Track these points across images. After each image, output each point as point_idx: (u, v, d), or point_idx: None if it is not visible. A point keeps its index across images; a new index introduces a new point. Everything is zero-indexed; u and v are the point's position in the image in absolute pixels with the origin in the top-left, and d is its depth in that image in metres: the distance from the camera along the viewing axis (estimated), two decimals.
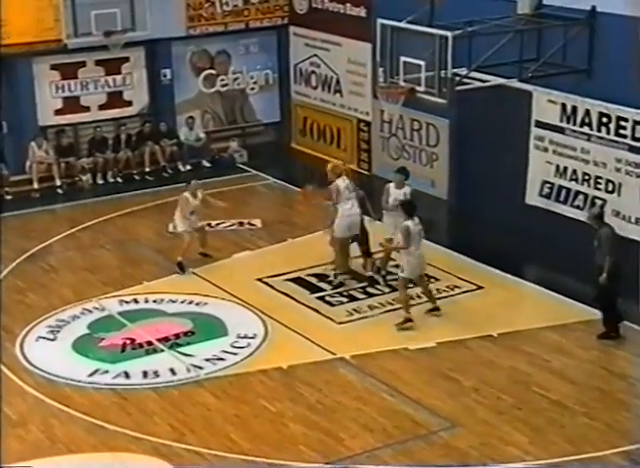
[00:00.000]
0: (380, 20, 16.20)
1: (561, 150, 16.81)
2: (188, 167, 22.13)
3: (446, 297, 15.57)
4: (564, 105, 16.56)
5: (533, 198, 17.36)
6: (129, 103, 22.24)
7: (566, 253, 15.82)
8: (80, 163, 21.45)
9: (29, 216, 19.57)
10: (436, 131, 19.84)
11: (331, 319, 15.05)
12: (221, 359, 13.92)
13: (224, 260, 17.24)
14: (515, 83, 16.36)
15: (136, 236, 18.47)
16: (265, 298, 15.74)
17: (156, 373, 13.58)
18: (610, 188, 16.09)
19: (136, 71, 22.16)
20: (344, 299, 15.64)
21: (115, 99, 22.02)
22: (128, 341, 14.45)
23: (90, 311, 15.41)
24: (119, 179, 21.57)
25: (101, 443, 12.03)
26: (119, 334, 14.67)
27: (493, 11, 16.52)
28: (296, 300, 15.68)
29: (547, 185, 17.14)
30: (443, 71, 15.05)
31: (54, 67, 21.31)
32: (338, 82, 22.20)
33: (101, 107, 21.94)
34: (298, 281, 16.29)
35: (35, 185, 20.89)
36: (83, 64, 21.52)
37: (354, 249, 16.35)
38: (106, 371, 13.66)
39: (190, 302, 15.67)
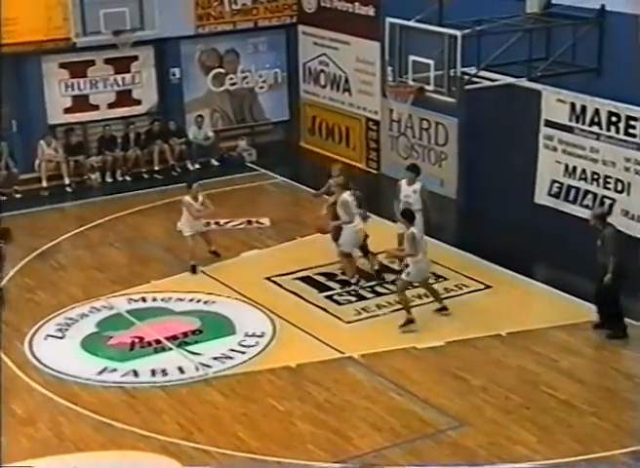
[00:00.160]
0: (388, 19, 16.19)
1: (570, 149, 16.78)
2: (197, 165, 22.15)
3: (454, 297, 15.56)
4: (573, 104, 16.52)
5: (542, 197, 17.33)
6: (138, 102, 22.27)
7: (575, 252, 15.79)
8: (89, 161, 21.49)
9: (38, 215, 19.60)
10: (445, 130, 19.82)
11: (339, 318, 15.05)
12: (230, 357, 13.93)
13: (233, 259, 17.25)
14: (524, 82, 16.34)
15: (144, 234, 18.49)
16: (274, 297, 15.74)
17: (164, 372, 13.59)
18: (619, 188, 16.05)
19: (145, 70, 22.19)
20: (353, 298, 15.63)
21: (124, 98, 22.06)
22: (136, 340, 14.47)
23: (98, 309, 15.44)
24: (128, 178, 21.61)
25: (110, 441, 12.04)
26: (128, 333, 14.69)
27: (502, 10, 16.49)
28: (304, 299, 15.68)
29: (556, 185, 17.11)
30: (452, 70, 15.03)
31: (63, 66, 21.36)
32: (346, 81, 22.20)
33: (111, 106, 21.97)
34: (306, 280, 16.29)
35: (44, 184, 20.94)
36: (92, 63, 21.56)
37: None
38: (115, 370, 13.68)
39: (198, 301, 15.68)
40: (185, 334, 14.60)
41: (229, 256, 17.29)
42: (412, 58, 15.51)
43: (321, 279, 16.28)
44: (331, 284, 16.10)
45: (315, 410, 12.60)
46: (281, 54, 23.41)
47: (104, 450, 11.88)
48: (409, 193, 16.02)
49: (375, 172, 21.79)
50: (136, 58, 21.98)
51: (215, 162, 22.51)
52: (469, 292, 15.75)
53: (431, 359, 13.81)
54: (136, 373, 13.59)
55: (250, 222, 18.92)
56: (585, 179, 16.63)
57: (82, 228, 18.71)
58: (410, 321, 14.55)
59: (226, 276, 16.44)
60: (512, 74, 16.21)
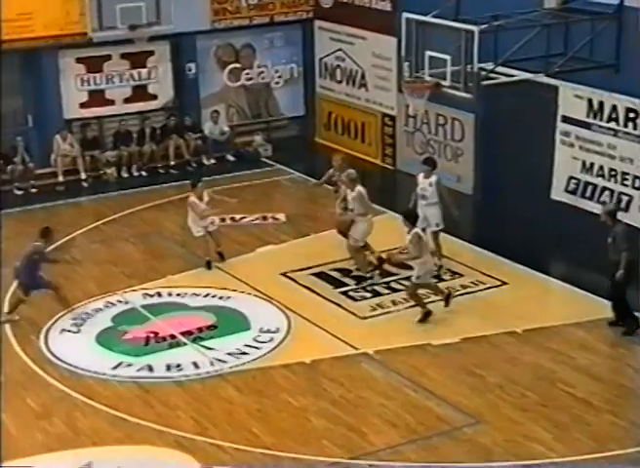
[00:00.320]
0: (405, 15, 16.13)
1: (587, 146, 16.71)
2: (212, 161, 22.17)
3: (470, 293, 15.52)
4: (591, 101, 16.45)
5: (558, 194, 17.27)
6: (154, 97, 22.28)
7: (591, 249, 15.69)
8: (105, 156, 21.52)
9: (54, 209, 19.65)
10: (461, 125, 19.77)
11: (354, 314, 15.03)
12: (244, 353, 13.92)
13: (248, 254, 17.24)
14: (542, 78, 16.26)
15: (160, 229, 18.50)
16: (289, 293, 15.73)
17: (179, 367, 13.60)
18: (637, 184, 15.98)
19: (161, 65, 22.19)
20: (368, 294, 15.60)
21: (140, 93, 22.07)
22: (151, 335, 14.47)
23: (114, 304, 15.46)
24: (144, 173, 21.63)
25: (125, 435, 12.05)
26: (143, 328, 14.70)
27: (519, 5, 16.42)
28: (319, 295, 15.66)
29: (573, 181, 17.05)
30: (469, 66, 14.98)
31: (79, 61, 21.38)
32: (362, 76, 22.15)
33: (126, 101, 21.99)
34: (321, 275, 16.27)
35: (60, 178, 20.97)
36: (108, 58, 21.58)
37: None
38: (130, 365, 13.69)
39: (214, 296, 15.68)
40: (200, 330, 14.60)
41: (245, 252, 17.28)
42: (428, 53, 15.46)
43: (336, 275, 16.25)
44: (346, 280, 16.07)
45: (330, 406, 12.59)
46: (297, 49, 23.38)
47: (119, 445, 11.89)
48: (425, 186, 16.06)
49: (390, 167, 21.75)
50: (152, 52, 21.99)
51: (230, 157, 22.52)
52: (485, 289, 15.69)
53: (447, 355, 13.77)
54: (151, 368, 13.59)
55: (265, 218, 18.90)
56: (603, 176, 16.56)
57: (98, 223, 18.73)
58: (427, 314, 14.50)
59: (242, 271, 16.43)
60: (529, 70, 16.13)
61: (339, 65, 22.71)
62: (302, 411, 12.53)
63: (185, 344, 14.22)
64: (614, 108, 16.11)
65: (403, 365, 13.52)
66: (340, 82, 22.77)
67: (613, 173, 16.34)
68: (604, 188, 16.53)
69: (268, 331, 14.50)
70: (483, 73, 15.36)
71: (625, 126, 15.97)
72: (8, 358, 13.84)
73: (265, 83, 23.33)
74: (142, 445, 11.88)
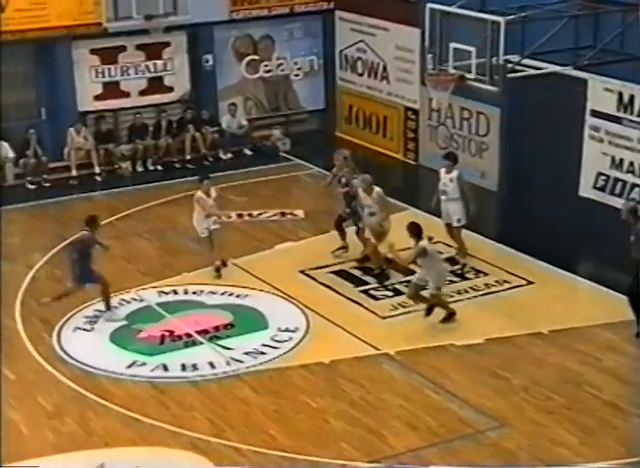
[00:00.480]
0: (429, 5, 16.12)
1: (617, 141, 16.66)
2: (230, 155, 22.21)
3: (495, 292, 15.50)
4: (621, 94, 16.40)
5: (587, 190, 17.23)
6: (170, 89, 22.35)
7: (620, 247, 15.62)
8: (119, 150, 21.60)
9: (67, 204, 19.73)
10: (487, 120, 19.73)
11: (375, 313, 15.03)
12: (262, 353, 13.95)
13: (266, 251, 17.26)
14: (570, 71, 16.22)
15: (175, 225, 18.53)
16: (308, 291, 15.74)
17: (195, 367, 13.63)
18: None
19: (177, 56, 22.25)
20: (389, 293, 15.60)
21: (156, 85, 22.14)
22: (167, 333, 14.51)
23: (128, 302, 15.51)
24: (159, 167, 21.70)
25: (139, 436, 12.09)
26: (158, 326, 14.74)
27: None
28: (339, 293, 15.67)
29: (602, 177, 17.00)
30: (495, 58, 14.95)
31: (93, 52, 21.46)
32: (384, 68, 22.14)
33: (142, 93, 22.06)
34: (341, 273, 16.28)
35: (73, 172, 21.06)
36: (123, 49, 21.66)
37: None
38: (144, 364, 13.73)
39: (231, 294, 15.71)
40: (217, 328, 14.63)
41: (262, 249, 17.31)
42: (453, 45, 15.44)
43: (357, 273, 16.26)
44: (367, 278, 16.07)
45: (349, 408, 12.59)
46: (317, 40, 23.39)
47: (133, 446, 11.93)
48: (446, 182, 16.11)
49: (413, 163, 21.74)
50: (168, 43, 22.05)
51: (248, 151, 22.56)
52: (510, 288, 15.66)
53: (470, 357, 13.76)
54: (165, 368, 13.63)
55: (283, 214, 18.93)
56: (633, 172, 16.51)
57: (112, 218, 18.77)
58: (451, 314, 14.46)
59: (259, 269, 16.45)
60: (558, 62, 16.10)
61: (360, 57, 22.71)
62: (321, 413, 12.54)
63: (201, 343, 14.25)
64: None
65: (425, 366, 13.52)
66: (362, 74, 22.76)
67: None
68: (634, 185, 16.47)
69: (287, 331, 14.52)
70: (509, 66, 15.32)
71: None
72: (20, 356, 13.94)
73: (284, 75, 23.36)
74: (156, 446, 11.91)
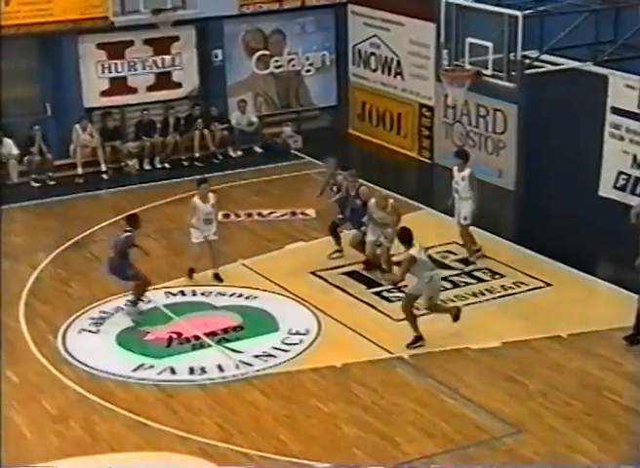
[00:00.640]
0: None
1: (639, 139, 16.61)
2: (239, 153, 22.25)
3: (512, 295, 15.49)
4: None
5: (607, 190, 17.20)
6: (178, 85, 22.39)
7: None
8: (126, 147, 21.64)
9: (73, 203, 19.79)
10: (504, 117, 19.72)
11: (388, 316, 15.02)
12: (272, 356, 13.96)
13: (276, 252, 17.28)
14: (590, 67, 16.20)
15: (183, 225, 18.45)
16: (319, 293, 15.76)
17: (203, 370, 13.65)
18: None
19: (186, 51, 22.28)
20: (403, 295, 15.56)
21: (164, 81, 22.18)
22: (174, 335, 14.54)
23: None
24: (167, 165, 21.74)
25: (145, 441, 12.11)
26: (165, 328, 14.77)
27: None
28: (351, 295, 15.68)
29: (623, 177, 16.97)
30: (512, 53, 14.96)
31: (100, 46, 21.51)
32: (399, 64, 22.14)
33: (149, 89, 22.12)
34: (353, 275, 16.29)
35: (79, 170, 21.11)
36: (131, 44, 21.71)
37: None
38: (151, 367, 13.75)
39: (240, 296, 15.73)
40: (226, 331, 14.65)
41: (272, 249, 17.33)
42: (469, 40, 15.46)
43: (369, 274, 16.26)
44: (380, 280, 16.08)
45: (361, 413, 12.59)
46: (329, 35, 23.41)
47: (139, 451, 11.95)
48: (458, 180, 16.19)
49: (428, 161, 21.73)
50: (176, 38, 22.09)
51: (258, 149, 22.59)
52: (528, 291, 15.65)
53: (486, 361, 13.75)
54: (173, 371, 13.65)
55: (294, 213, 18.94)
56: None
57: (118, 217, 18.76)
58: (456, 316, 14.22)
59: (269, 270, 16.47)
60: (577, 58, 16.10)
61: (373, 53, 22.71)
62: (332, 418, 12.54)
63: (210, 346, 14.27)
64: None
65: (440, 370, 13.51)
66: (375, 70, 22.77)
67: None
68: None
69: (297, 333, 14.53)
70: (527, 61, 15.33)
71: None
72: (23, 358, 13.98)
73: (296, 71, 23.38)
74: (164, 451, 11.93)
